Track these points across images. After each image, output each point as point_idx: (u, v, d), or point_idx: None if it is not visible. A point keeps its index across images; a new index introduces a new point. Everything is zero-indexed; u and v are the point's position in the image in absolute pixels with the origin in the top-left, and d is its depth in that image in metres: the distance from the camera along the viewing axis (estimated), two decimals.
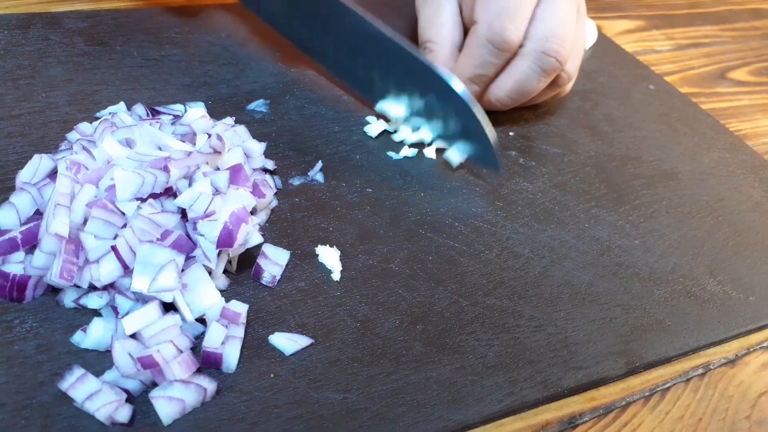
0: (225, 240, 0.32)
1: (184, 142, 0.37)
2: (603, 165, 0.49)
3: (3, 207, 0.32)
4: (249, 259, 0.35)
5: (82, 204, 0.31)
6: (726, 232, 0.46)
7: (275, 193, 0.40)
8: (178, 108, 0.44)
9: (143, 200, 0.32)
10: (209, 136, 0.37)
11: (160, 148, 0.36)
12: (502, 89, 0.46)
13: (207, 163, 0.35)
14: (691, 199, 0.48)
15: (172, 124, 0.41)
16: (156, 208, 0.32)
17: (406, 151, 0.46)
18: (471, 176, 0.45)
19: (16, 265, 0.31)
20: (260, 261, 0.35)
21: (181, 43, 0.52)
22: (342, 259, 0.37)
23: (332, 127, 0.47)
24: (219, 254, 0.33)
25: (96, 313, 0.31)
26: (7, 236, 0.31)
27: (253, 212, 0.37)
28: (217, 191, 0.34)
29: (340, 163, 0.44)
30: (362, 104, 0.50)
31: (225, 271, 0.34)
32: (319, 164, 0.43)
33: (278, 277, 0.35)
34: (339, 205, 0.40)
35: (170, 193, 0.33)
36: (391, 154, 0.46)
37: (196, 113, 0.38)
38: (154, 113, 0.43)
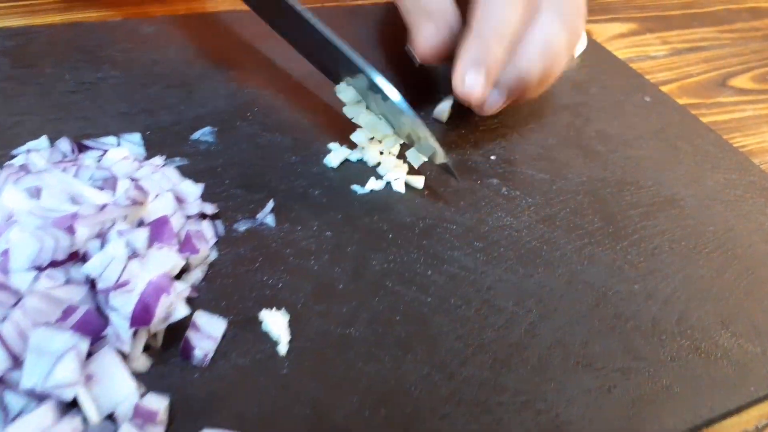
0: (141, 316, 0.26)
1: (103, 189, 0.31)
2: (597, 192, 0.44)
3: None
4: (179, 327, 0.30)
5: None
6: (737, 269, 0.40)
7: (216, 243, 0.34)
8: (110, 141, 0.39)
9: (43, 269, 0.27)
10: (132, 181, 0.31)
11: (74, 199, 0.30)
12: (532, 53, 0.40)
13: (126, 217, 0.29)
14: (695, 230, 0.43)
15: (99, 161, 0.35)
16: (57, 279, 0.27)
17: (373, 184, 0.40)
18: (447, 212, 0.40)
19: None
20: (190, 334, 0.29)
21: (121, 63, 0.46)
22: (292, 324, 0.31)
23: (288, 157, 0.41)
24: (136, 332, 0.27)
25: None
26: None
27: (186, 269, 0.32)
28: (134, 253, 0.28)
29: (296, 201, 0.38)
30: (324, 130, 0.44)
31: (147, 348, 0.28)
32: (270, 204, 0.37)
33: (211, 354, 0.29)
34: (292, 254, 0.35)
35: (78, 258, 0.28)
36: (355, 187, 0.40)
37: (116, 154, 0.32)
38: (81, 149, 0.37)
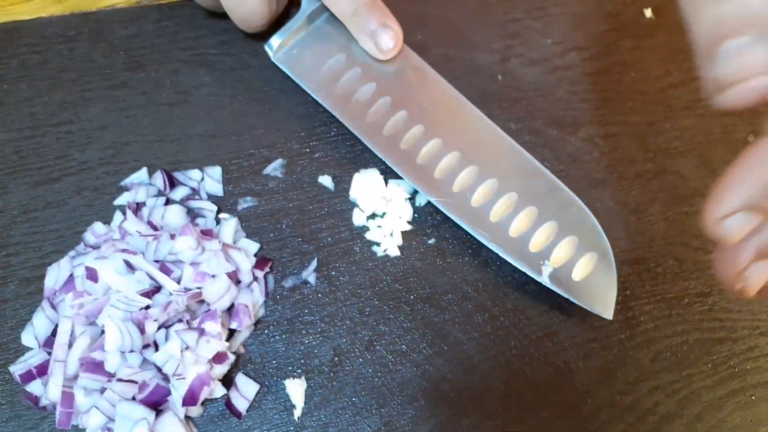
0: (189, 399, 0.37)
1: (172, 271, 0.40)
2: None
3: (26, 329, 0.39)
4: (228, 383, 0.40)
5: (75, 358, 0.37)
6: None
7: (264, 301, 0.42)
8: (195, 176, 0.46)
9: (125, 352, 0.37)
10: (194, 267, 0.39)
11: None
12: None
13: (187, 305, 0.38)
14: None
15: (184, 199, 0.43)
16: (135, 362, 0.37)
17: (387, 244, 0.44)
18: (462, 279, 0.44)
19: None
20: (231, 393, 0.40)
21: (214, 65, 0.50)
22: (307, 391, 0.40)
23: (342, 202, 0.46)
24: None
25: None
26: (25, 368, 0.38)
27: (232, 334, 0.41)
28: (186, 347, 0.38)
29: (338, 259, 0.44)
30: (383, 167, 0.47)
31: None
32: (314, 263, 0.44)
33: (244, 412, 0.40)
34: (321, 319, 0.42)
35: (149, 345, 0.38)
36: (375, 249, 0.45)
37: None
38: (172, 183, 0.45)
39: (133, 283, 0.39)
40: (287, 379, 0.41)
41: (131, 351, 0.37)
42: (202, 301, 0.40)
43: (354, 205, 0.45)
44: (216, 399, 0.40)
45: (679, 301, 0.44)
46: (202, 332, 0.38)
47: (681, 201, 0.47)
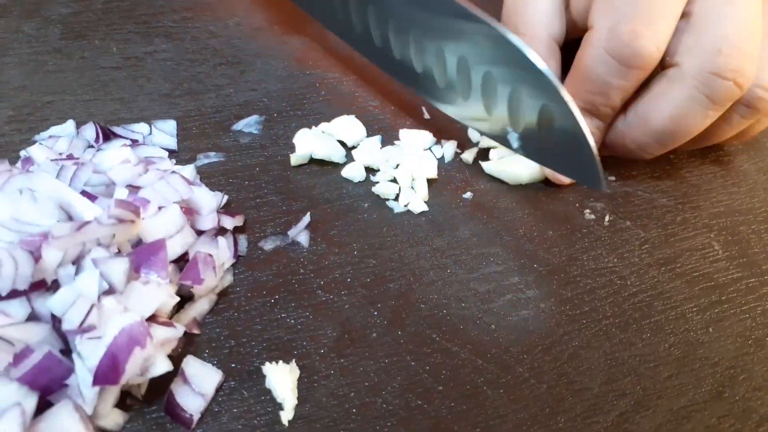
0: (106, 374, 0.21)
1: (96, 198, 0.26)
2: (736, 229, 0.33)
3: None
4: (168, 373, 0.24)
5: None
6: None
7: (234, 264, 0.28)
8: (141, 129, 0.34)
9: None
10: (131, 190, 0.26)
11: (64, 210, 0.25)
12: (645, 127, 0.31)
13: (113, 236, 0.24)
14: None
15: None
16: (12, 315, 0.22)
17: (403, 202, 0.32)
18: (527, 244, 0.31)
19: None
20: (176, 388, 0.24)
21: (175, 35, 0.41)
22: (303, 382, 0.25)
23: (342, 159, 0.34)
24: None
25: None
26: None
27: (189, 298, 0.26)
28: (110, 288, 0.23)
29: (339, 217, 0.31)
30: (392, 126, 0.37)
31: (127, 395, 0.23)
32: (306, 219, 0.31)
33: (198, 416, 0.23)
34: (320, 287, 0.28)
35: (45, 287, 0.23)
36: (392, 204, 0.32)
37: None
38: (109, 136, 0.33)
39: (34, 212, 0.25)
40: (267, 364, 0.25)
41: (13, 291, 0.22)
42: (140, 244, 0.25)
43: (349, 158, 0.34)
44: (152, 407, 0.23)
45: None
46: (137, 269, 0.24)
47: None
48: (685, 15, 0.29)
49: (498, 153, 0.34)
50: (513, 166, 0.33)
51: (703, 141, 0.32)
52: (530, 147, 0.30)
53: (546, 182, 0.34)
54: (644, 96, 0.30)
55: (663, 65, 0.30)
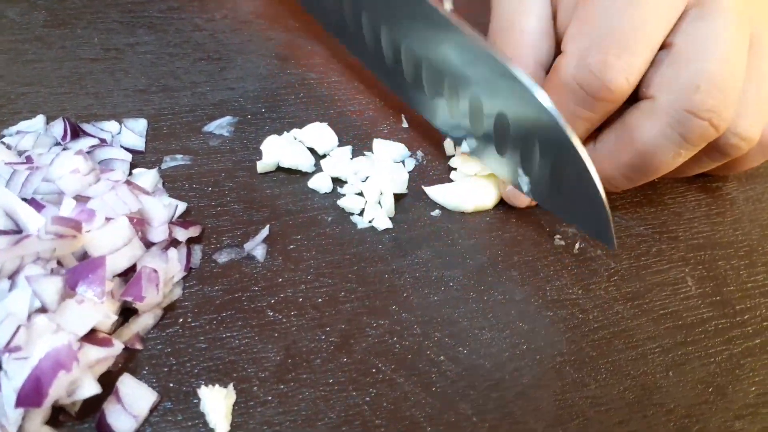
0: (29, 396, 0.21)
1: (44, 207, 0.26)
2: (714, 264, 0.32)
3: None
4: (107, 387, 0.24)
5: None
6: None
7: (185, 276, 0.28)
8: (110, 128, 0.33)
9: None
10: (79, 202, 0.26)
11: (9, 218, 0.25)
12: (612, 160, 0.29)
13: (54, 250, 0.24)
14: None
15: (90, 152, 0.30)
16: None
17: (367, 218, 0.31)
18: (489, 268, 0.30)
19: None
20: (108, 407, 0.24)
21: (159, 26, 0.40)
22: (240, 407, 0.25)
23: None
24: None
25: None
26: None
27: (135, 312, 0.26)
28: (42, 307, 0.22)
29: (300, 230, 0.31)
30: (369, 133, 0.36)
31: (60, 411, 0.23)
32: (264, 232, 0.30)
33: None
34: (270, 306, 0.28)
35: None
36: (356, 219, 0.32)
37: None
38: (75, 134, 0.32)
39: None
40: (203, 387, 0.25)
41: None
42: (85, 257, 0.25)
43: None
44: (84, 425, 0.23)
45: None
46: (73, 287, 0.23)
47: None
48: (666, 45, 0.27)
49: (457, 174, 0.33)
50: (458, 194, 0.32)
51: (671, 174, 0.30)
52: (539, 194, 0.29)
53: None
54: (615, 127, 0.29)
55: (638, 96, 0.28)
